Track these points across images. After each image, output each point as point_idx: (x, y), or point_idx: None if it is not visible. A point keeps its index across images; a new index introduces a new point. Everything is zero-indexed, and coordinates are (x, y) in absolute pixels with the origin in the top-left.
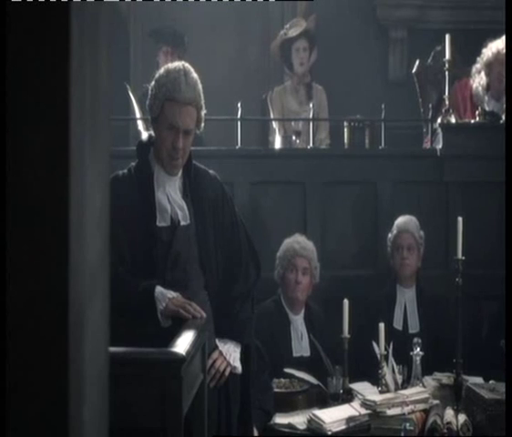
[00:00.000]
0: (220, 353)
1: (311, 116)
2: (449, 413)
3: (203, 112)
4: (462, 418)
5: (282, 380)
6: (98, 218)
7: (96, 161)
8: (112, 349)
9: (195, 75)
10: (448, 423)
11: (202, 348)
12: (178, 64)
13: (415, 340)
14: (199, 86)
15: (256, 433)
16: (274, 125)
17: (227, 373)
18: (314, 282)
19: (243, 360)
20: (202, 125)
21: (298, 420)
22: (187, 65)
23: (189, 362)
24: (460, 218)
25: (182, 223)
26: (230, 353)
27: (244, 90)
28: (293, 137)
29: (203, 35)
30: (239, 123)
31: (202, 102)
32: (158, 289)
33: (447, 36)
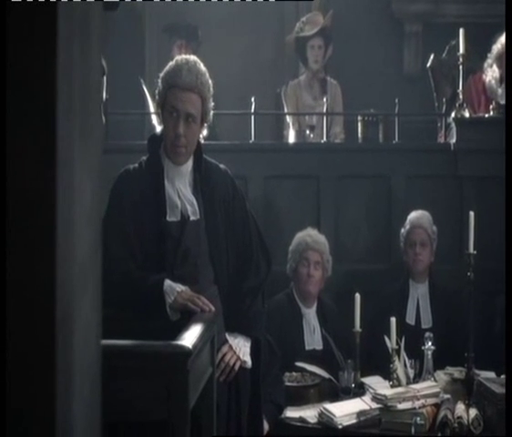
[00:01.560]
0: (230, 347)
1: (325, 110)
2: (460, 408)
3: (210, 104)
4: (473, 412)
5: (294, 373)
6: (89, 213)
7: (86, 157)
8: (118, 342)
9: (201, 66)
10: (459, 418)
11: (211, 341)
12: (186, 56)
13: (427, 334)
14: (206, 77)
15: (267, 427)
16: (288, 119)
17: (237, 368)
18: (326, 276)
19: (253, 354)
20: (210, 118)
21: (309, 413)
22: (194, 57)
23: (196, 356)
24: (472, 213)
25: (192, 218)
26: (240, 347)
27: (259, 85)
28: (307, 132)
29: (218, 30)
30: (252, 117)
31: (208, 93)
32: (167, 282)
33: (461, 31)
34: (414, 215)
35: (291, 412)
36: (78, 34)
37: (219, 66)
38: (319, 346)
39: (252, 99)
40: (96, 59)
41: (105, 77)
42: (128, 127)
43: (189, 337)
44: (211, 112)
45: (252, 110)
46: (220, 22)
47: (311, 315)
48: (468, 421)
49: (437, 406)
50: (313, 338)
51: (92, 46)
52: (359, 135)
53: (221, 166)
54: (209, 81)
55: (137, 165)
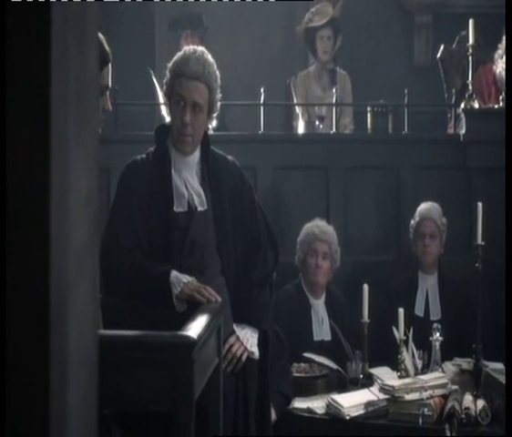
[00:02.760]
0: (238, 338)
1: (334, 101)
2: (468, 399)
3: (217, 95)
4: (480, 403)
5: (302, 364)
6: (85, 203)
7: (82, 147)
8: (124, 332)
9: (209, 57)
10: (466, 409)
11: (217, 331)
12: (194, 47)
13: (435, 325)
14: (214, 67)
15: (274, 416)
16: (298, 110)
17: (244, 359)
18: (335, 267)
19: (261, 345)
20: (217, 109)
21: (317, 404)
22: (202, 48)
23: (201, 346)
24: (480, 204)
25: (199, 209)
26: (248, 338)
27: (269, 75)
28: (317, 122)
29: (228, 21)
30: (261, 108)
31: (216, 83)
32: (174, 273)
33: (471, 21)
34: (423, 206)
35: (299, 403)
36: (74, 25)
37: (229, 57)
38: (327, 337)
39: (262, 90)
40: (92, 50)
41: (110, 64)
42: (139, 118)
43: (195, 327)
44: (218, 103)
45: (261, 101)
46: (230, 13)
47: (319, 306)
48: (476, 412)
49: (445, 397)
50: (322, 329)
51: (88, 38)
52: (368, 126)
53: (229, 157)
54: (217, 72)
55: (144, 155)
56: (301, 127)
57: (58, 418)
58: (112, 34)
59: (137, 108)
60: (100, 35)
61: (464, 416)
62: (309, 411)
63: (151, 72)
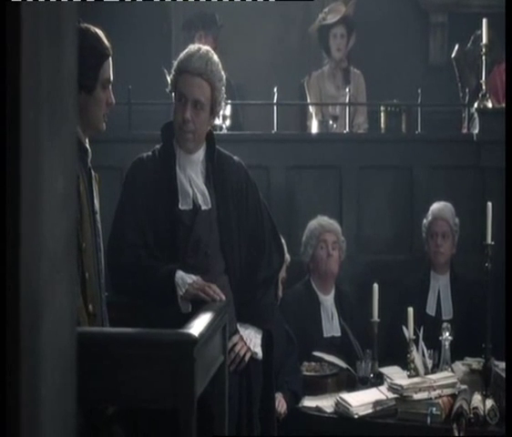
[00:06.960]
0: (241, 338)
1: (347, 100)
2: (477, 398)
3: (221, 95)
4: (489, 403)
5: (312, 363)
6: (62, 201)
7: (58, 146)
8: (125, 330)
9: (214, 56)
10: (475, 408)
11: (223, 329)
12: (199, 45)
13: (445, 324)
14: (218, 66)
15: (285, 407)
16: (311, 109)
17: (247, 358)
18: (342, 258)
19: (265, 346)
20: (220, 109)
21: (326, 403)
22: (208, 47)
23: (203, 344)
24: (490, 204)
25: (203, 207)
26: (251, 339)
27: (284, 75)
28: (330, 122)
29: (244, 20)
30: (275, 108)
31: (219, 83)
32: (179, 274)
33: (484, 21)
34: (436, 206)
35: (309, 402)
36: (48, 24)
37: (244, 57)
38: (337, 333)
39: (275, 90)
40: (69, 49)
41: (110, 59)
42: (153, 117)
43: (197, 325)
44: (222, 103)
45: (275, 101)
46: (246, 12)
47: (328, 302)
48: (484, 411)
49: (454, 397)
50: (332, 325)
51: (65, 37)
52: (382, 125)
53: (235, 157)
54: (222, 72)
55: (150, 153)
56: (314, 127)
57: (30, 412)
58: (128, 34)
59: (151, 108)
60: (98, 31)
61: (472, 416)
62: (318, 409)
63: (165, 71)
